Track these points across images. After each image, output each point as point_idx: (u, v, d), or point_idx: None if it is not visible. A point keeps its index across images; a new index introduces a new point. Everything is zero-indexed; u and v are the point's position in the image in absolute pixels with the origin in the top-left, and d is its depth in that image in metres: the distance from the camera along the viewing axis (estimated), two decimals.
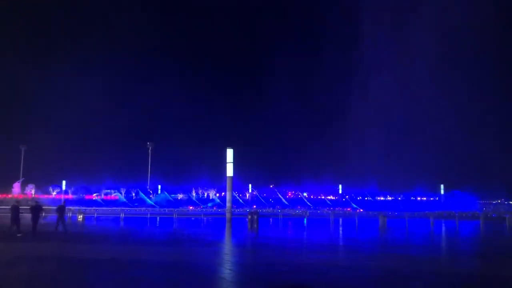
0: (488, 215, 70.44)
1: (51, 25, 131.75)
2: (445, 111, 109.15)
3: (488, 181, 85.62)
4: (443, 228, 38.87)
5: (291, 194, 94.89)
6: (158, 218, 48.62)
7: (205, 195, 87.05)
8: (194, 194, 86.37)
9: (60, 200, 53.57)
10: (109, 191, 75.30)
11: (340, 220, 51.03)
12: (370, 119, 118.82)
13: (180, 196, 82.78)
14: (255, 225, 34.90)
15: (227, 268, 13.98)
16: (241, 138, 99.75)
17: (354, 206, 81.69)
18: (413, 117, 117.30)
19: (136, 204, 69.86)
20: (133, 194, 76.45)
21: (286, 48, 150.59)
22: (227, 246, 21.58)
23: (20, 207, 24.24)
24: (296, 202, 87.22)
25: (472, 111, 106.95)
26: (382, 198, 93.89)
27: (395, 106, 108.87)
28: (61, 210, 26.45)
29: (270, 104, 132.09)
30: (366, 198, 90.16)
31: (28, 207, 26.86)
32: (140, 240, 23.37)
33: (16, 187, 77.70)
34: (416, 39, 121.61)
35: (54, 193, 74.01)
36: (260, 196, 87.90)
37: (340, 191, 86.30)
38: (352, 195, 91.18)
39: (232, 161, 41.23)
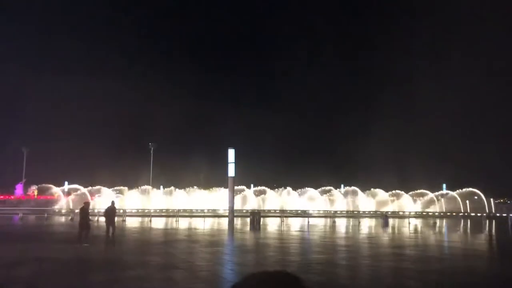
0: (491, 215, 70.26)
1: (51, 28, 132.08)
2: (454, 111, 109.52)
3: (491, 181, 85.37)
4: (444, 228, 38.83)
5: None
6: (161, 219, 48.62)
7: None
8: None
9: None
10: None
11: (343, 220, 50.95)
12: (375, 121, 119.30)
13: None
14: (257, 225, 34.91)
15: (228, 268, 13.98)
16: (244, 139, 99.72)
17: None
18: (419, 117, 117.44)
19: None
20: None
21: (291, 47, 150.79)
22: (229, 246, 21.59)
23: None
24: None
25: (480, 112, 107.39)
26: (383, 198, 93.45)
27: (399, 107, 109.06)
28: (110, 213, 21.63)
29: (274, 105, 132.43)
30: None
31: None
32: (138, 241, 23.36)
33: (19, 189, 77.83)
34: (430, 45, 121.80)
35: (56, 194, 73.94)
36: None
37: (342, 192, 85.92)
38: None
39: (233, 161, 41.17)
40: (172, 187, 75.74)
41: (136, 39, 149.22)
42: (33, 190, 77.01)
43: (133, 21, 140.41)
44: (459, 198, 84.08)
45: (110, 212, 21.53)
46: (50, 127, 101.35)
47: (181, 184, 76.29)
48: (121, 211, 44.77)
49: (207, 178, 77.58)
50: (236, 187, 62.06)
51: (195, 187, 76.56)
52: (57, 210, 62.80)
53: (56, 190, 70.49)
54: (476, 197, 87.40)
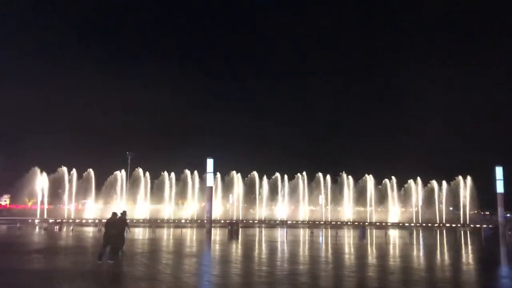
0: (466, 225, 71.59)
1: (39, 28, 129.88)
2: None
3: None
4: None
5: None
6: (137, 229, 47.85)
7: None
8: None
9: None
10: (86, 201, 73.66)
11: (321, 231, 51.14)
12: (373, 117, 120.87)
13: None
14: (235, 235, 34.69)
15: (205, 279, 13.86)
16: (224, 145, 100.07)
17: None
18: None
19: None
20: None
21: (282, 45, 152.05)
22: (206, 257, 21.40)
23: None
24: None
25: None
26: (362, 208, 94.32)
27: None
28: (121, 224, 18.17)
29: (258, 112, 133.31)
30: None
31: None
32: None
33: None
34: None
35: (30, 203, 72.04)
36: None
37: (320, 202, 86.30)
38: (333, 206, 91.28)
39: (212, 171, 40.96)
40: (166, 172, 75.57)
41: (117, 44, 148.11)
42: (5, 199, 74.95)
43: (114, 25, 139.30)
44: (436, 185, 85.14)
45: (120, 224, 18.01)
46: (25, 134, 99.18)
47: (160, 193, 75.43)
48: (97, 220, 43.88)
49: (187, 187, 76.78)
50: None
51: (186, 170, 76.03)
52: (30, 220, 61.16)
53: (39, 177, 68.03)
54: (451, 208, 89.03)
